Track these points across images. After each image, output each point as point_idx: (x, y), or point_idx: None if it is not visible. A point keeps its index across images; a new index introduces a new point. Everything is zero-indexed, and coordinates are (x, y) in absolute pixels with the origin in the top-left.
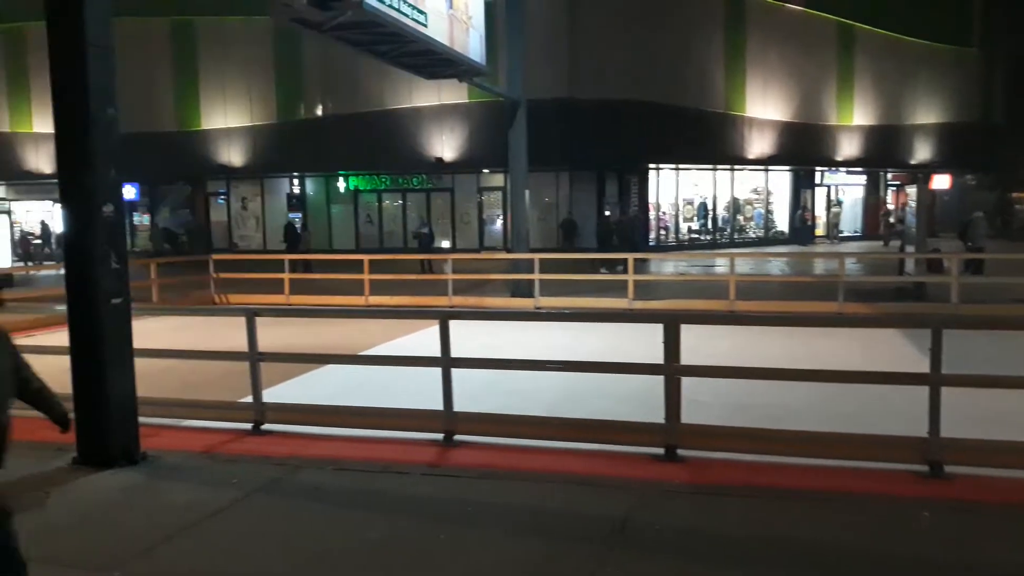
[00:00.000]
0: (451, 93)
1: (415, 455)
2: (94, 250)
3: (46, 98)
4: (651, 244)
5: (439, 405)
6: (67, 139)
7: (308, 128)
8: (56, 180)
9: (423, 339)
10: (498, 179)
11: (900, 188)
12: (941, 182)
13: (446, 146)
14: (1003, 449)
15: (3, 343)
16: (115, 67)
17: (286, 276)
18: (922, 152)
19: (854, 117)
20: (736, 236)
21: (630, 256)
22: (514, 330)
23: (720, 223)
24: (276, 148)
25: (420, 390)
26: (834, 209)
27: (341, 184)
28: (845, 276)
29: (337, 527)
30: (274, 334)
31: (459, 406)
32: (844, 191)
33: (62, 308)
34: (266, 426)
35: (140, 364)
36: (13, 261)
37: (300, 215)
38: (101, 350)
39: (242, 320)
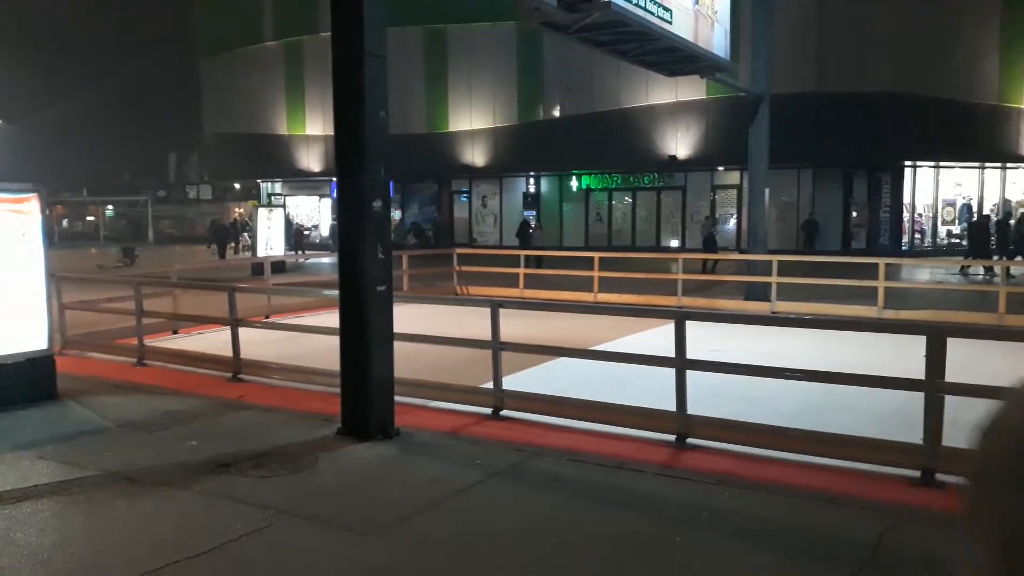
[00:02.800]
0: (688, 90)
1: (648, 454)
2: (364, 242)
3: (318, 103)
4: (904, 248)
5: (669, 405)
6: (345, 140)
7: (545, 128)
8: (323, 178)
9: (651, 338)
10: (732, 176)
11: None
12: None
13: (680, 143)
14: None
15: None
16: (386, 73)
17: (521, 271)
18: None
19: None
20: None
21: (881, 260)
22: (748, 334)
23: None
24: (515, 148)
25: (650, 389)
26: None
27: (574, 183)
28: None
29: (576, 517)
30: (510, 325)
31: (692, 409)
32: None
33: (329, 293)
34: (504, 412)
35: (395, 347)
36: (286, 250)
37: (534, 213)
38: (367, 332)
39: (481, 310)
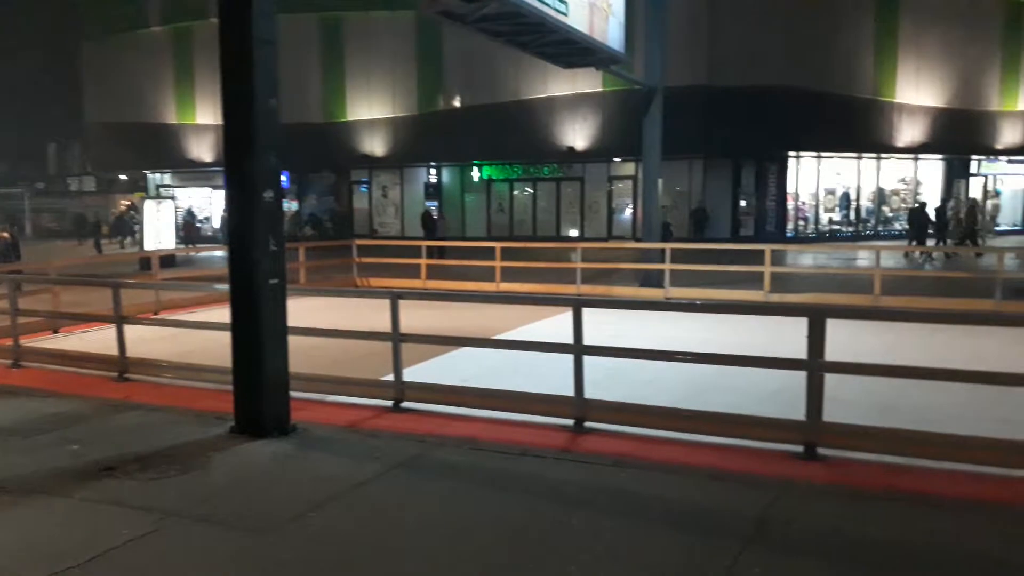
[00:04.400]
0: (585, 82)
1: (547, 439)
2: (255, 234)
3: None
4: (789, 235)
5: (568, 391)
6: (234, 129)
7: (446, 119)
8: (216, 168)
9: (552, 326)
10: (629, 168)
11: None
12: None
13: (578, 135)
14: None
15: None
16: (277, 60)
17: (423, 262)
18: None
19: (1020, 102)
20: (881, 228)
21: (767, 247)
22: (643, 320)
23: (864, 214)
24: (415, 138)
25: (549, 376)
26: (992, 201)
27: (475, 173)
28: (1004, 272)
29: (476, 505)
30: (412, 316)
31: (589, 394)
32: (1003, 181)
33: (221, 287)
34: (405, 404)
35: (290, 341)
36: (176, 243)
37: (437, 203)
38: (260, 327)
39: (382, 302)
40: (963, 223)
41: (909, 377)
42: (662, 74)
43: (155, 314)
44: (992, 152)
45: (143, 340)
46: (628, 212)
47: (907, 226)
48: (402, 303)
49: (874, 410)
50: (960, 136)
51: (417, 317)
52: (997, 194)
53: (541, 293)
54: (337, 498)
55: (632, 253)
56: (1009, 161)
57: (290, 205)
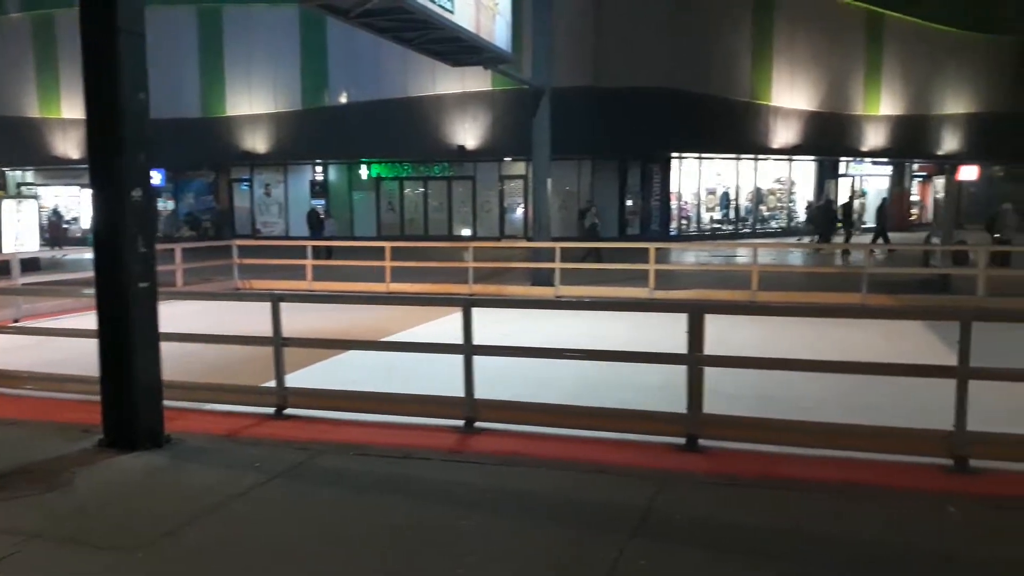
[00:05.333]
0: (474, 81)
1: (437, 441)
2: (123, 234)
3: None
4: (672, 233)
5: (460, 392)
6: (98, 124)
7: (332, 115)
8: (84, 165)
9: (444, 326)
10: (520, 167)
11: (926, 179)
12: (968, 173)
13: (468, 134)
14: None
15: None
16: (145, 52)
17: (309, 262)
18: (950, 142)
19: (881, 107)
20: (759, 226)
21: (651, 245)
22: (535, 318)
23: (743, 213)
24: (300, 135)
25: (441, 377)
26: (858, 200)
27: (363, 171)
28: (869, 267)
29: (359, 511)
30: (297, 319)
31: (479, 393)
32: (868, 182)
33: (89, 292)
34: (289, 411)
35: (164, 348)
36: (41, 245)
37: (323, 202)
38: (129, 333)
39: (266, 305)
40: (876, 220)
41: (783, 369)
42: (549, 75)
43: (15, 321)
44: (858, 154)
45: (2, 350)
46: (520, 211)
47: (809, 223)
48: (288, 306)
49: (753, 401)
50: (830, 138)
51: (303, 320)
52: (863, 194)
53: (432, 293)
54: (214, 511)
55: (524, 252)
56: (873, 163)
57: (166, 204)
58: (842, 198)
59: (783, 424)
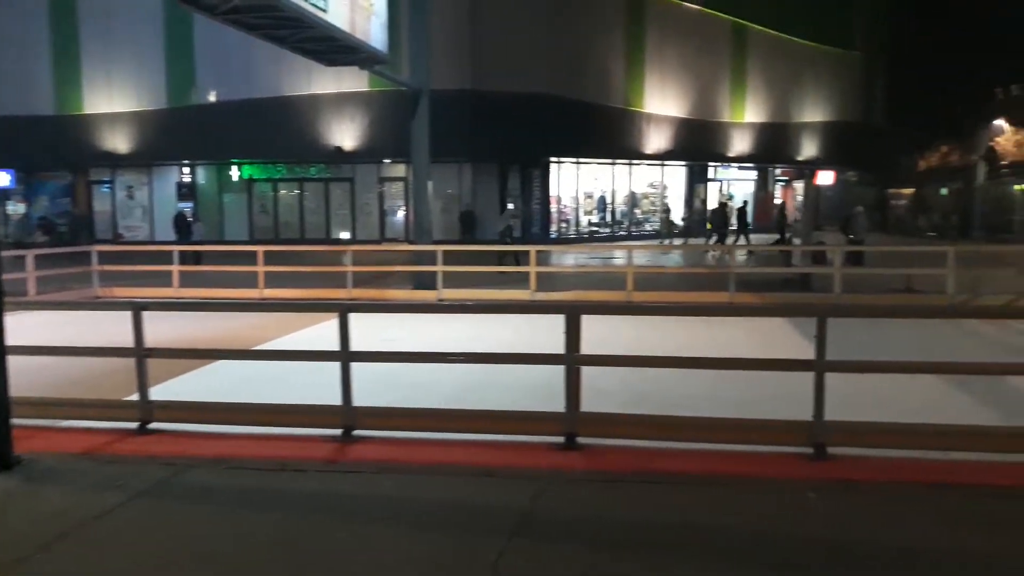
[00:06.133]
0: (351, 81)
1: (313, 452)
2: None
3: None
4: (552, 236)
5: (338, 400)
6: None
7: (200, 114)
8: None
9: (322, 333)
10: (400, 169)
11: (788, 183)
12: (825, 178)
13: (346, 135)
14: (883, 430)
15: None
16: None
17: (175, 268)
18: (808, 149)
19: (746, 114)
20: (634, 229)
21: (532, 248)
22: (417, 323)
23: (619, 216)
24: (166, 135)
25: (319, 385)
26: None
27: (234, 173)
28: (736, 267)
29: (228, 528)
30: (164, 329)
31: (359, 401)
32: (735, 186)
33: None
34: (153, 425)
35: (13, 362)
36: None
37: (191, 205)
38: None
39: (123, 314)
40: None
41: (656, 366)
42: (427, 77)
43: None
44: (725, 159)
45: None
46: (401, 214)
47: (708, 224)
48: (154, 315)
49: (629, 398)
50: (699, 144)
51: (170, 329)
52: (730, 198)
53: (309, 299)
54: (69, 535)
55: (406, 255)
56: (739, 168)
57: (16, 208)
58: (711, 202)
59: (657, 420)
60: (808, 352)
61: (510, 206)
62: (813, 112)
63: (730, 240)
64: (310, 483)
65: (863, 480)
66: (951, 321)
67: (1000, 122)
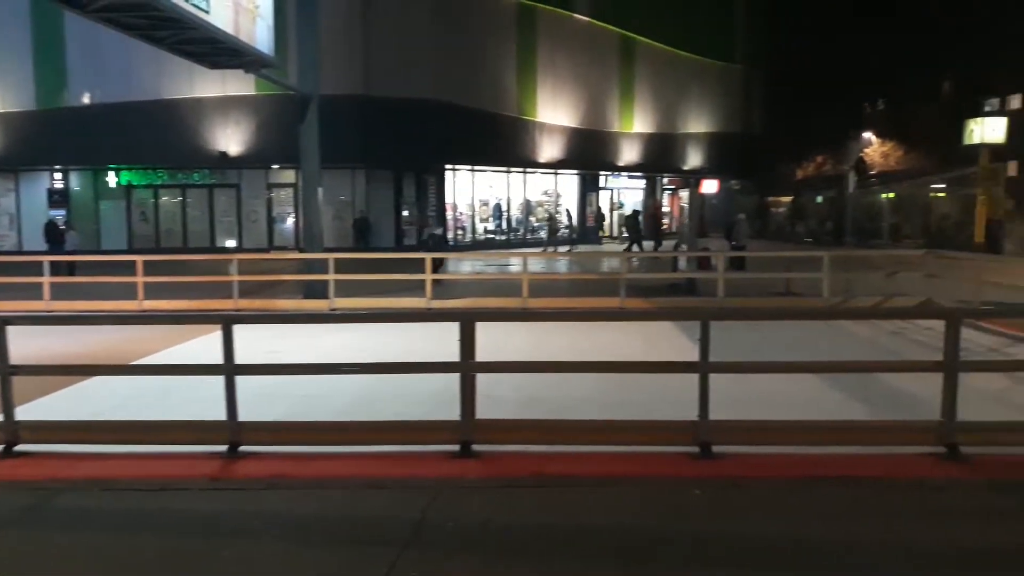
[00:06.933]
0: (237, 84)
1: (196, 469)
2: None
3: None
4: (450, 244)
5: (221, 415)
6: None
7: (73, 117)
8: None
9: (207, 346)
10: (289, 175)
11: (675, 192)
12: (709, 187)
13: (231, 140)
14: (764, 428)
15: None
16: None
17: (46, 280)
18: (694, 159)
19: (634, 125)
20: (529, 236)
21: (428, 256)
22: (308, 333)
23: (514, 224)
24: (35, 138)
25: (203, 400)
26: (618, 212)
27: (112, 179)
28: (626, 274)
29: (105, 554)
30: (33, 344)
31: (247, 415)
32: (625, 194)
33: None
34: (20, 447)
35: None
36: None
37: (64, 212)
38: None
39: None
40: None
41: (550, 371)
42: (317, 81)
43: None
44: (616, 168)
45: None
46: (291, 221)
47: (624, 231)
48: (21, 329)
49: (525, 404)
50: (591, 153)
51: (41, 344)
52: (620, 206)
53: (192, 310)
54: None
55: (295, 264)
56: (629, 176)
57: None
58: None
59: (551, 424)
60: (694, 355)
61: (430, 218)
62: (698, 123)
63: (635, 248)
64: (194, 502)
65: (745, 476)
66: (827, 322)
67: (868, 134)
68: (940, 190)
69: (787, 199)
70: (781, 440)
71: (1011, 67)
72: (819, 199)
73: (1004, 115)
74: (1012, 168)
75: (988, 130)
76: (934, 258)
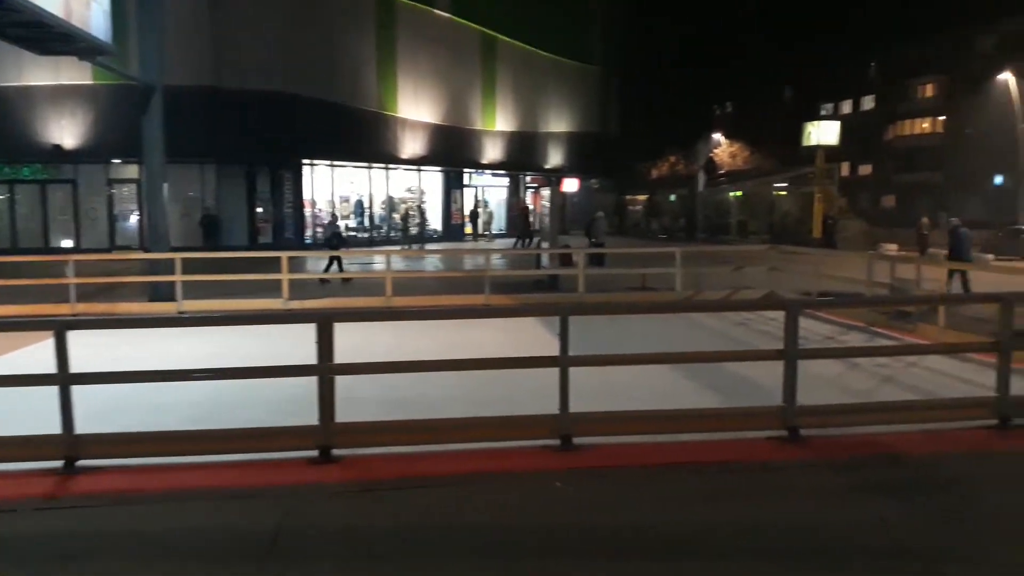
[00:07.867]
0: (72, 72)
1: (28, 488)
2: None
3: None
4: (308, 242)
5: (56, 428)
6: None
7: None
8: None
9: (42, 354)
10: (133, 170)
11: (537, 190)
12: (570, 185)
13: (66, 132)
14: (622, 418)
15: None
16: None
17: None
18: (555, 157)
19: (497, 123)
20: (392, 233)
21: (284, 255)
22: (154, 338)
23: (377, 220)
24: None
25: (34, 413)
26: (486, 209)
27: None
28: (491, 271)
29: None
30: None
31: (93, 427)
32: (489, 192)
33: None
34: None
35: None
36: None
37: None
38: None
39: None
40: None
41: (412, 371)
42: (161, 71)
43: None
44: (479, 166)
45: None
46: (134, 219)
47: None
48: None
49: (390, 405)
50: (454, 151)
51: None
52: (486, 204)
53: (22, 315)
54: None
55: (140, 264)
56: (493, 174)
57: None
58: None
59: (414, 424)
60: (556, 349)
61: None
62: (559, 122)
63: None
64: (25, 524)
65: (605, 466)
66: (680, 315)
67: (717, 135)
68: (782, 189)
69: (643, 197)
70: (638, 429)
71: (844, 75)
72: (672, 197)
73: (837, 119)
74: (845, 168)
75: (823, 133)
76: (777, 253)
